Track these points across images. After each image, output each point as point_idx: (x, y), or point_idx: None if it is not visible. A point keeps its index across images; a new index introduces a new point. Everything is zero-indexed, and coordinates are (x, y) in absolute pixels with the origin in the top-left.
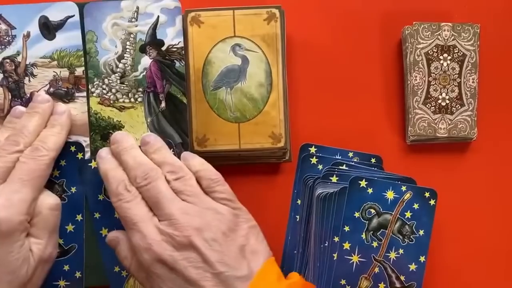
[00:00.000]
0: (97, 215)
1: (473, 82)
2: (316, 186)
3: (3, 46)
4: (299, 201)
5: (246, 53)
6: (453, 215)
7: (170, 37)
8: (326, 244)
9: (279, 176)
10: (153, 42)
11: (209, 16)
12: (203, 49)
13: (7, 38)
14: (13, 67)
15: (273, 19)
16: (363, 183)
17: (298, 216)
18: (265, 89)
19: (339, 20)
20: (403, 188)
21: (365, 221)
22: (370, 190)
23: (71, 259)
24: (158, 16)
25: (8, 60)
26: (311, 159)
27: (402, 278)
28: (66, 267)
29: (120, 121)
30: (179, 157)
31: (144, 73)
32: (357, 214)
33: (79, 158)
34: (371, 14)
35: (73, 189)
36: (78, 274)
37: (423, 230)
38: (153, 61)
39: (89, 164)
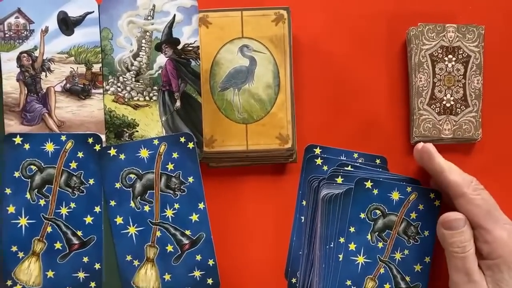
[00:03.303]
0: (112, 203)
1: (477, 83)
2: (321, 187)
3: (20, 40)
4: (304, 202)
5: (254, 54)
6: None
7: (186, 36)
8: (332, 245)
9: (285, 177)
10: (169, 40)
11: (217, 17)
12: (211, 50)
13: (25, 32)
14: (30, 62)
15: (281, 20)
16: (368, 184)
17: (303, 217)
18: (273, 90)
19: (343, 21)
20: (408, 189)
21: (370, 222)
22: (375, 191)
23: (90, 251)
24: (175, 15)
25: (25, 55)
26: (316, 160)
27: (408, 278)
28: (85, 259)
29: (135, 119)
30: (196, 153)
31: (160, 71)
32: (362, 215)
33: (97, 150)
34: (376, 15)
35: (91, 181)
36: (97, 266)
37: (428, 231)
38: (169, 60)
39: (108, 152)
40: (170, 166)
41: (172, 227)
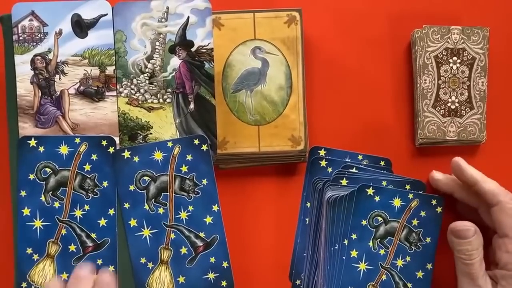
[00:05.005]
0: (126, 205)
1: (482, 85)
2: (326, 189)
3: (34, 43)
4: (308, 204)
5: (266, 56)
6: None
7: (200, 38)
8: (336, 247)
9: (293, 178)
10: (183, 42)
11: (229, 18)
12: (223, 52)
13: (39, 35)
14: (44, 65)
15: (293, 22)
16: (370, 191)
17: (307, 219)
18: (285, 92)
19: (348, 23)
20: (410, 196)
21: (372, 229)
22: (377, 198)
23: (104, 253)
24: (188, 17)
25: (39, 57)
26: (320, 162)
27: (410, 285)
28: (99, 261)
29: (149, 121)
30: (210, 155)
31: (173, 73)
32: (364, 222)
33: (111, 152)
34: (380, 18)
35: (105, 183)
36: (111, 268)
37: (430, 238)
38: (183, 62)
39: (122, 154)
40: (184, 168)
41: (186, 229)
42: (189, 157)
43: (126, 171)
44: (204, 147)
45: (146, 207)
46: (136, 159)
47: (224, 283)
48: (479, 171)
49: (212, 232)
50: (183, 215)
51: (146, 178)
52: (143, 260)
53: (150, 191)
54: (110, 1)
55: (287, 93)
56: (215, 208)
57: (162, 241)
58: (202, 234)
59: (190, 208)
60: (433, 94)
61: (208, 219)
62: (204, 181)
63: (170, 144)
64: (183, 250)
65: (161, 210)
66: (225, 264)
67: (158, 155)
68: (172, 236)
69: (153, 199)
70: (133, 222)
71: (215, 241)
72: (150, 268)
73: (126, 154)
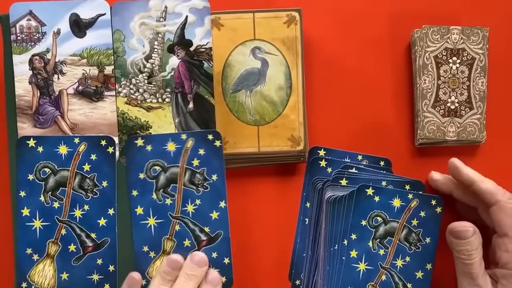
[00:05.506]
0: (134, 193)
1: (482, 85)
2: (326, 189)
3: (32, 43)
4: (308, 204)
5: (266, 56)
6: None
7: (199, 37)
8: (336, 247)
9: (292, 178)
10: (182, 42)
11: (229, 18)
12: (222, 52)
13: (37, 35)
14: (42, 64)
15: (293, 22)
16: (370, 191)
17: (307, 219)
18: (285, 92)
19: (348, 23)
20: (410, 196)
21: (372, 229)
22: (377, 198)
23: (104, 253)
24: (187, 16)
25: (37, 57)
26: (320, 162)
27: (409, 285)
28: (99, 261)
29: (148, 121)
30: (222, 152)
31: (172, 73)
32: (364, 222)
33: (110, 152)
34: (380, 18)
35: (105, 183)
36: (111, 268)
37: (429, 238)
38: (181, 62)
39: (135, 141)
40: (196, 162)
41: (191, 222)
42: (201, 152)
43: (138, 159)
44: (217, 143)
45: (154, 196)
46: (149, 148)
47: (223, 279)
48: (476, 171)
49: (217, 228)
50: (190, 208)
51: (157, 167)
52: (145, 249)
53: (160, 181)
54: (109, 0)
55: (287, 93)
56: (222, 204)
57: (166, 231)
58: (206, 229)
59: (198, 201)
60: (432, 94)
61: (214, 215)
62: (214, 177)
63: (184, 136)
64: (186, 243)
65: (168, 201)
66: (226, 261)
67: (171, 146)
68: (177, 227)
69: (162, 189)
70: (139, 210)
71: (219, 237)
72: (152, 257)
73: (140, 142)
